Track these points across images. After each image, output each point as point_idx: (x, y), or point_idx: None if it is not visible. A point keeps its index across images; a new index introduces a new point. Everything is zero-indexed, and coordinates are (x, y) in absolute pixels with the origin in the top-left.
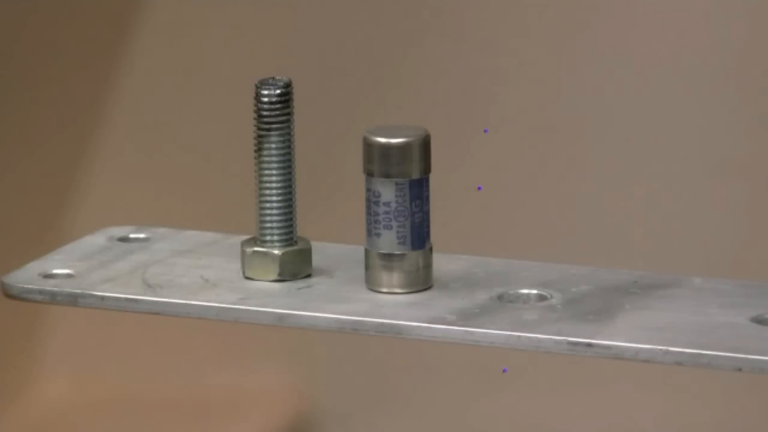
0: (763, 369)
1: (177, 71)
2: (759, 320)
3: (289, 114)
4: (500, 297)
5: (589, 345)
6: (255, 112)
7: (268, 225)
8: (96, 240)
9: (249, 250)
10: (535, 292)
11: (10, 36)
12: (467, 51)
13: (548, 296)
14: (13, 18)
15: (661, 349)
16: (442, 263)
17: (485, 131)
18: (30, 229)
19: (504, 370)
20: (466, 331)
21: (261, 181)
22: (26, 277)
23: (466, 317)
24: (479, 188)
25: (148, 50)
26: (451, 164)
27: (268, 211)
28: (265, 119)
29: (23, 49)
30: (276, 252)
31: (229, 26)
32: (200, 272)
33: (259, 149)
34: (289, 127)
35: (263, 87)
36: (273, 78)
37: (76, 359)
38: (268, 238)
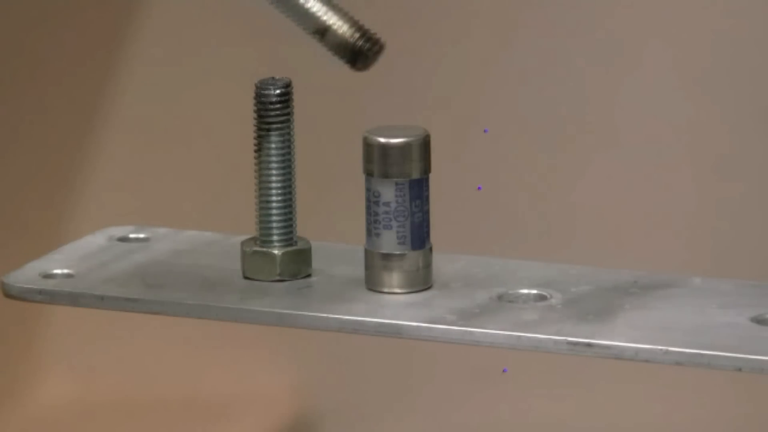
0: (763, 369)
1: (177, 71)
2: (759, 320)
3: (289, 114)
4: (500, 297)
5: (589, 345)
6: (255, 112)
7: (268, 225)
8: (96, 240)
9: (249, 250)
10: (535, 292)
11: (10, 35)
12: (468, 51)
13: (548, 296)
14: (14, 16)
15: (661, 349)
16: (442, 263)
17: (485, 131)
18: (30, 228)
19: (504, 370)
20: (466, 331)
21: (261, 181)
22: (26, 277)
23: (466, 317)
24: (479, 188)
25: (148, 50)
26: (451, 164)
27: (268, 211)
28: (265, 119)
29: (23, 48)
30: (276, 252)
31: (230, 26)
32: (200, 272)
33: (259, 149)
34: (289, 127)
35: (263, 87)
36: (273, 78)
37: (76, 359)
38: (267, 238)
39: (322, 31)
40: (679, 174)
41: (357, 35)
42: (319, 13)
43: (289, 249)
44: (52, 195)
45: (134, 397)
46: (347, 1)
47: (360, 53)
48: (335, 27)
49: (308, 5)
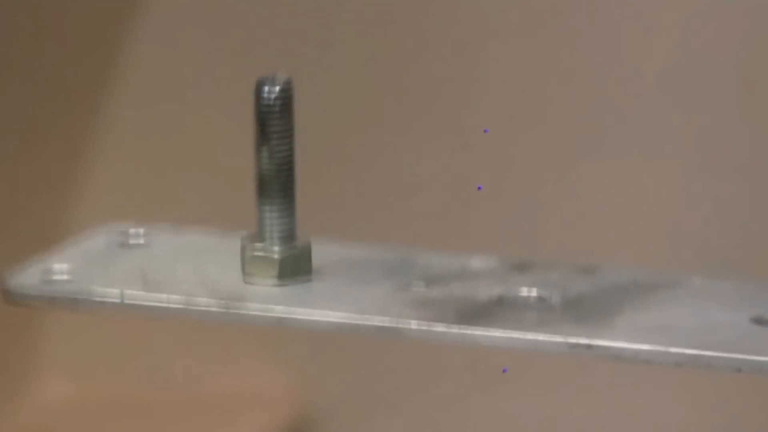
0: (763, 370)
1: (177, 70)
2: (759, 320)
3: (289, 113)
4: (500, 297)
5: (589, 346)
6: (255, 110)
7: (268, 227)
8: (96, 242)
9: (249, 253)
10: (534, 292)
11: (11, 32)
12: (468, 51)
13: (547, 296)
14: (15, 15)
15: (661, 350)
16: (442, 264)
17: (485, 131)
18: (31, 225)
19: (504, 370)
20: (466, 333)
21: (261, 181)
22: (26, 282)
23: (465, 318)
24: (479, 188)
25: (149, 48)
26: (451, 164)
27: (268, 213)
28: (265, 118)
29: (24, 46)
30: (275, 255)
31: (230, 24)
32: (200, 275)
33: (259, 149)
34: (289, 126)
35: (263, 84)
36: (273, 75)
37: (75, 360)
38: (268, 240)
39: None
40: (679, 174)
41: None
42: None
43: (289, 251)
44: (54, 192)
45: (134, 397)
46: (347, 3)
47: None
48: None
49: None
